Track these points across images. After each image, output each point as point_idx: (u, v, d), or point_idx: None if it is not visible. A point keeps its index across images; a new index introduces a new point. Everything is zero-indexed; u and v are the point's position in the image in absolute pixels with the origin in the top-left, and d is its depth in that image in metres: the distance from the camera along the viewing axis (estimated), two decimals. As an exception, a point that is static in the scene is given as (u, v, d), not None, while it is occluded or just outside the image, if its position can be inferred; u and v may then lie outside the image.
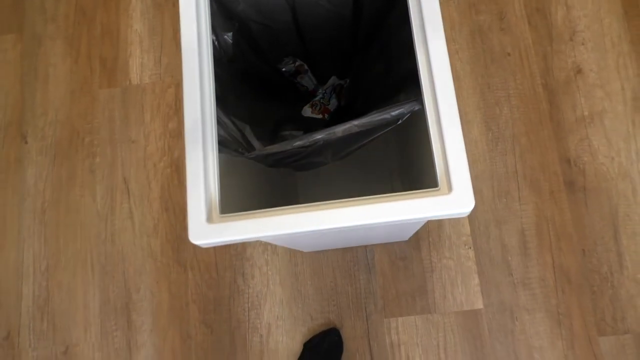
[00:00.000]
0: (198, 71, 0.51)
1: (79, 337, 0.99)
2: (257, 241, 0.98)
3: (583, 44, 1.00)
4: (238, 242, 0.48)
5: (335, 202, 0.45)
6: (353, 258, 0.96)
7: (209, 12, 0.52)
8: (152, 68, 1.11)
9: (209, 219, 0.47)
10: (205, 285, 0.98)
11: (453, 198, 0.45)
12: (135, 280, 1.00)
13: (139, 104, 1.09)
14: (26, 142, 1.10)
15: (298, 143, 0.49)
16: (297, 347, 0.93)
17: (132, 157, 1.06)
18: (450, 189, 0.46)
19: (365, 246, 0.96)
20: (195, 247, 1.00)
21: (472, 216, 0.95)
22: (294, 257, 0.97)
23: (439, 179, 0.46)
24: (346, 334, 0.93)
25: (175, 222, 1.02)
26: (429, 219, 0.45)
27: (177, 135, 1.06)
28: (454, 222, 0.95)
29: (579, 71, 0.99)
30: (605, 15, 1.01)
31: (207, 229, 0.47)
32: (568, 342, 0.89)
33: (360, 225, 0.45)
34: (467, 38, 1.03)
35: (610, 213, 0.93)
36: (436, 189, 0.46)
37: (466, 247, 0.94)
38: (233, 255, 0.99)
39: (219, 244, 0.48)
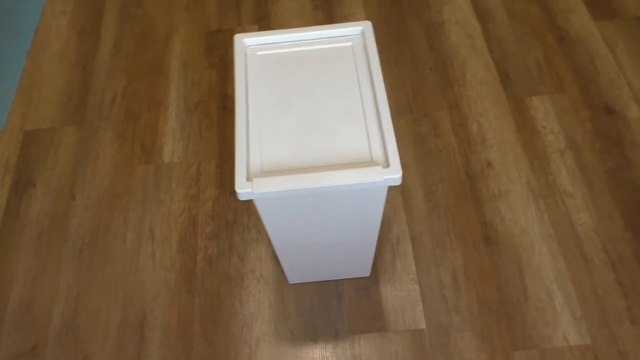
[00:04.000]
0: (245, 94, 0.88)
1: (97, 348, 1.20)
2: (250, 275, 1.26)
3: (491, 147, 1.43)
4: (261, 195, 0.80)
5: (320, 168, 0.80)
6: (327, 289, 1.24)
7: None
8: (180, 152, 1.48)
9: (248, 178, 0.81)
10: (209, 308, 1.23)
11: (390, 170, 0.80)
12: (151, 304, 1.25)
13: (168, 175, 1.44)
14: (74, 200, 1.41)
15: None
16: (279, 357, 1.16)
17: (159, 212, 1.38)
18: (388, 165, 0.81)
19: (337, 281, 1.25)
20: (203, 278, 1.27)
21: (417, 260, 1.27)
22: (281, 287, 1.25)
23: (382, 159, 0.82)
24: (319, 348, 1.17)
25: (188, 261, 1.30)
26: (374, 182, 0.79)
27: (196, 198, 1.39)
28: (404, 263, 1.26)
29: (489, 164, 1.40)
30: (504, 129, 1.45)
31: (245, 184, 0.80)
32: (490, 355, 1.15)
33: (330, 187, 0.79)
34: (412, 141, 1.45)
35: (516, 259, 1.26)
36: (380, 165, 0.81)
37: (413, 282, 1.24)
38: (233, 285, 1.26)
39: (250, 197, 0.80)
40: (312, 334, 1.19)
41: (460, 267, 1.26)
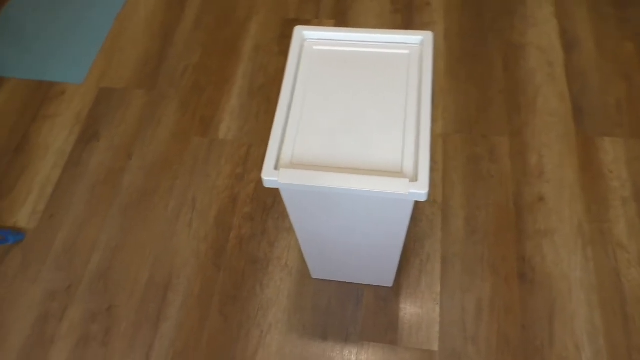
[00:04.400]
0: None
1: (123, 300, 1.26)
2: (276, 262, 1.28)
3: (547, 182, 1.36)
4: (287, 185, 0.81)
5: (348, 171, 0.80)
6: (347, 291, 1.24)
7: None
8: (235, 131, 1.52)
9: (276, 167, 0.82)
10: (231, 284, 1.27)
11: (417, 184, 0.78)
12: (179, 270, 1.30)
13: (219, 152, 1.49)
14: (130, 159, 1.49)
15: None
16: (287, 346, 1.18)
17: (204, 185, 1.43)
18: (416, 179, 0.79)
19: (358, 285, 1.24)
20: (231, 255, 1.30)
21: (443, 281, 1.24)
22: (303, 279, 1.26)
23: (411, 173, 0.80)
24: (326, 346, 1.17)
25: (221, 236, 1.34)
26: (400, 194, 0.78)
27: (240, 178, 1.43)
28: (429, 281, 1.24)
29: (542, 199, 1.33)
30: (566, 166, 1.38)
31: (272, 173, 0.81)
32: (501, 394, 1.10)
33: (356, 190, 0.79)
34: (464, 160, 1.41)
35: (549, 302, 1.20)
36: (408, 178, 0.79)
37: (434, 302, 1.21)
38: (258, 268, 1.28)
39: (275, 185, 0.81)
40: (323, 332, 1.19)
41: (487, 297, 1.21)
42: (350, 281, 1.25)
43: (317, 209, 0.91)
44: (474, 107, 1.51)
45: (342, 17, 1.75)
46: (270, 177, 0.81)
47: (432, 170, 1.40)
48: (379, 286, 1.24)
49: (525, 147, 1.43)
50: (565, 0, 1.72)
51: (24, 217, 1.41)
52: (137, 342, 1.21)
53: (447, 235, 1.30)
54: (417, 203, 1.36)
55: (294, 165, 0.83)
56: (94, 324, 1.24)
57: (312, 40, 0.98)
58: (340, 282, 1.25)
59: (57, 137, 1.56)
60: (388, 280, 1.21)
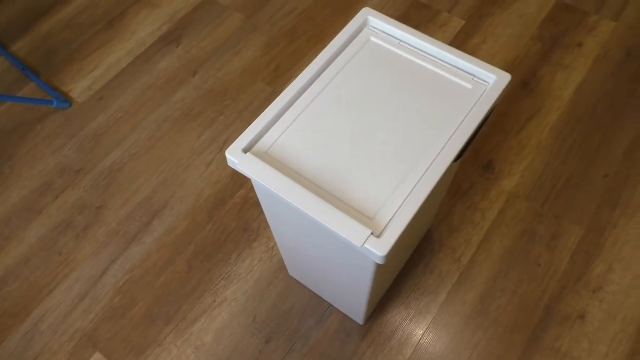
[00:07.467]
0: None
1: (114, 207, 1.25)
2: (265, 240, 1.18)
3: (600, 301, 1.10)
4: (247, 175, 0.69)
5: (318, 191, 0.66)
6: (316, 305, 1.12)
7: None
8: (301, 93, 1.41)
9: (246, 150, 0.71)
10: (211, 241, 1.20)
11: (377, 242, 0.63)
12: (175, 202, 1.25)
13: (274, 106, 1.39)
14: (193, 77, 1.45)
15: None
16: (228, 329, 1.10)
17: (242, 132, 1.35)
18: (381, 235, 0.64)
19: (330, 305, 1.12)
20: (227, 213, 1.23)
21: (417, 350, 1.07)
22: (279, 272, 1.16)
23: (382, 224, 0.65)
24: (265, 350, 1.07)
25: (231, 191, 1.27)
26: (353, 244, 0.63)
27: (279, 141, 1.33)
28: (403, 340, 1.07)
29: (582, 317, 1.09)
30: (635, 295, 1.10)
31: (238, 155, 0.70)
32: None
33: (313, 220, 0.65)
34: (518, 232, 1.19)
35: None
36: (373, 230, 0.64)
37: (397, 365, 1.05)
38: (245, 238, 1.20)
39: (234, 167, 0.70)
40: (270, 333, 1.09)
41: (456, 392, 1.03)
42: (323, 297, 1.12)
43: (283, 211, 0.79)
44: (564, 179, 1.26)
45: (475, 21, 1.52)
46: (232, 156, 0.70)
47: (476, 225, 1.19)
48: (350, 317, 1.10)
49: (598, 250, 1.16)
50: None
51: (79, 89, 1.44)
52: (105, 252, 1.20)
53: (450, 302, 1.11)
54: (435, 253, 1.17)
55: (268, 157, 0.71)
56: (80, 215, 1.24)
57: (373, 30, 0.83)
58: (314, 293, 1.13)
59: (146, 26, 1.55)
60: (359, 317, 1.07)
